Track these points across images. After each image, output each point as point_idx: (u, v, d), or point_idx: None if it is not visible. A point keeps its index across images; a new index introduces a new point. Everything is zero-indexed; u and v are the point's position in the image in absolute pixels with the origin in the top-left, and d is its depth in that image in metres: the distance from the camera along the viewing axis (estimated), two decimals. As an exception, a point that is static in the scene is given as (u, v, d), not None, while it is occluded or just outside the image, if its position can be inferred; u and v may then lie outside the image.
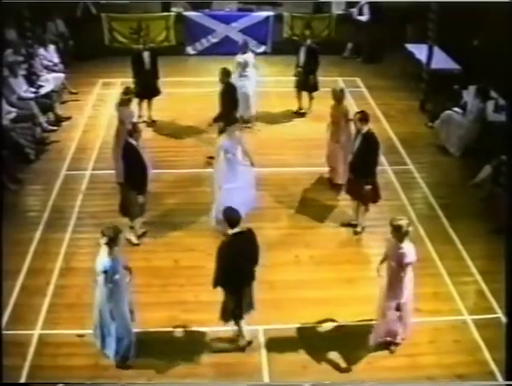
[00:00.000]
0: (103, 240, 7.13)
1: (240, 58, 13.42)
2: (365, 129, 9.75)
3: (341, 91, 11.40)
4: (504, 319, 8.41)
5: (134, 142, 9.42)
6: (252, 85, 13.56)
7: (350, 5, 18.32)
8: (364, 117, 9.83)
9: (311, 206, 11.06)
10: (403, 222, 7.35)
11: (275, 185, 11.58)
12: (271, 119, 14.20)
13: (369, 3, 17.48)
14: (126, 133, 9.71)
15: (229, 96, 11.88)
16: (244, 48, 13.58)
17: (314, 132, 13.07)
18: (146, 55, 13.14)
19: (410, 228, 7.40)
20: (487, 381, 7.57)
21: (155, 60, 13.34)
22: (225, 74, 11.85)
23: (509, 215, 8.17)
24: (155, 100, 13.77)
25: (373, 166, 9.88)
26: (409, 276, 7.54)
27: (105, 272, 7.05)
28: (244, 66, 13.35)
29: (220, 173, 10.08)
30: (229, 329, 7.91)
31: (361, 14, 17.76)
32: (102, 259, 7.12)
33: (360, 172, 9.83)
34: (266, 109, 14.30)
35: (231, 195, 9.62)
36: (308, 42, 13.97)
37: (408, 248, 7.39)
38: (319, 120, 13.06)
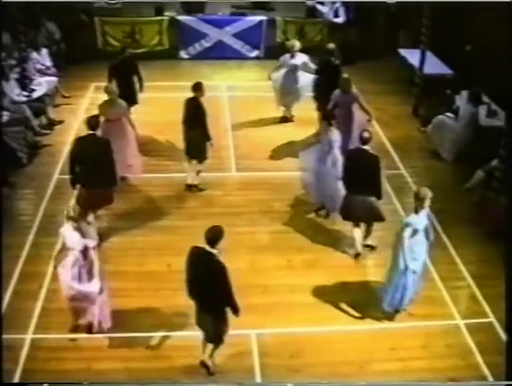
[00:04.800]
0: None
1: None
2: None
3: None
4: (496, 323, 8.50)
5: None
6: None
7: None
8: None
9: (304, 211, 11.06)
10: None
11: (268, 189, 11.58)
12: (264, 123, 14.19)
13: (344, 4, 17.34)
14: None
15: None
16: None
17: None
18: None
19: None
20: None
21: None
22: None
23: (508, 219, 8.18)
24: (147, 104, 13.74)
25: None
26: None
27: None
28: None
29: None
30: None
31: (336, 16, 17.66)
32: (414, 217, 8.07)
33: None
34: (260, 115, 14.30)
35: None
36: None
37: None
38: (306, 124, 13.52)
